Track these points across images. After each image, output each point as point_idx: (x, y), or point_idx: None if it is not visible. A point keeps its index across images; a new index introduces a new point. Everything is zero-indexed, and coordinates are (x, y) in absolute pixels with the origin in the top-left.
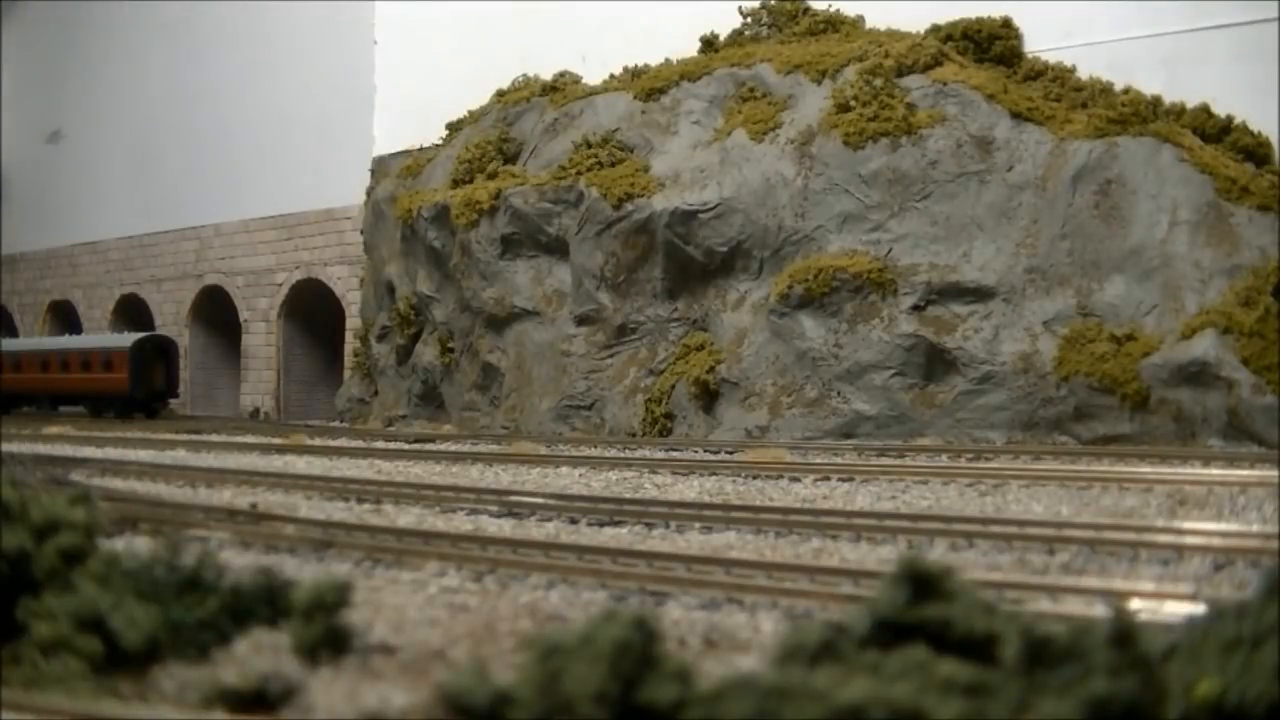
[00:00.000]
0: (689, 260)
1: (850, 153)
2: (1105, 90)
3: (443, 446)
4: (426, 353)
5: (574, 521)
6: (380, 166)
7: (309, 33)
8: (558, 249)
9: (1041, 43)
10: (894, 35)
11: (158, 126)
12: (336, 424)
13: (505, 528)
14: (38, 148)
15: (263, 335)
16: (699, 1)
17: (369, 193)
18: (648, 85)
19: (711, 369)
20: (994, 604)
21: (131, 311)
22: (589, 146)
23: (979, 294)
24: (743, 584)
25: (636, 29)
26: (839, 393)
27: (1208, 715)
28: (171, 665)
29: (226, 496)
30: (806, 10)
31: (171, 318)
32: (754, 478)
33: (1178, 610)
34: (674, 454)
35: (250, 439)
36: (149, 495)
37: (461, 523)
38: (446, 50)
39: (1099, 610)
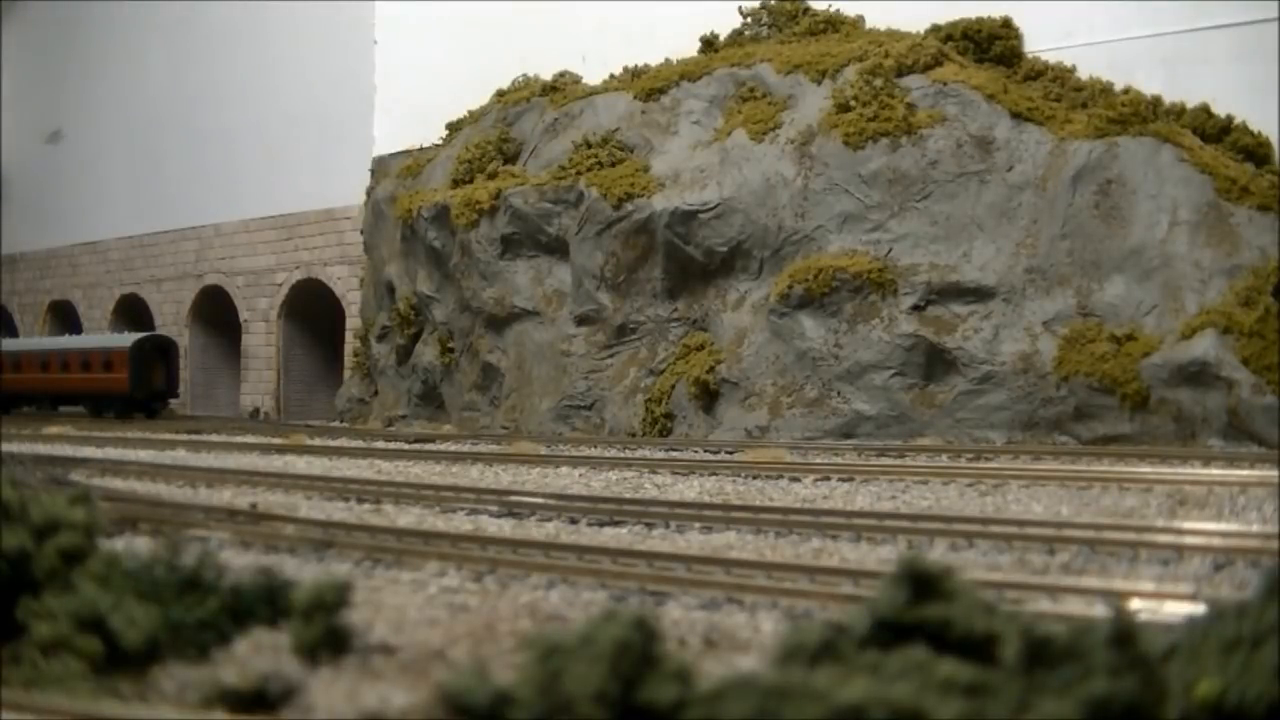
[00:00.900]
0: (689, 260)
1: (850, 153)
2: (1105, 90)
3: (443, 446)
4: (426, 353)
5: (574, 521)
6: (380, 166)
7: (309, 33)
8: (558, 249)
9: (1041, 43)
10: (894, 35)
11: (158, 126)
12: (336, 424)
13: (505, 528)
14: (38, 148)
15: (263, 335)
16: (699, 1)
17: (369, 193)
18: (648, 85)
19: (711, 369)
20: (994, 604)
21: (131, 311)
22: (589, 146)
23: (979, 294)
24: (743, 584)
25: (636, 29)
26: (839, 393)
27: (1208, 715)
28: (171, 665)
29: (226, 496)
30: (806, 10)
31: (171, 318)
32: (754, 478)
33: (1178, 610)
34: (674, 454)
35: (250, 439)
36: (149, 495)
37: (461, 523)
38: (446, 50)
39: (1099, 610)
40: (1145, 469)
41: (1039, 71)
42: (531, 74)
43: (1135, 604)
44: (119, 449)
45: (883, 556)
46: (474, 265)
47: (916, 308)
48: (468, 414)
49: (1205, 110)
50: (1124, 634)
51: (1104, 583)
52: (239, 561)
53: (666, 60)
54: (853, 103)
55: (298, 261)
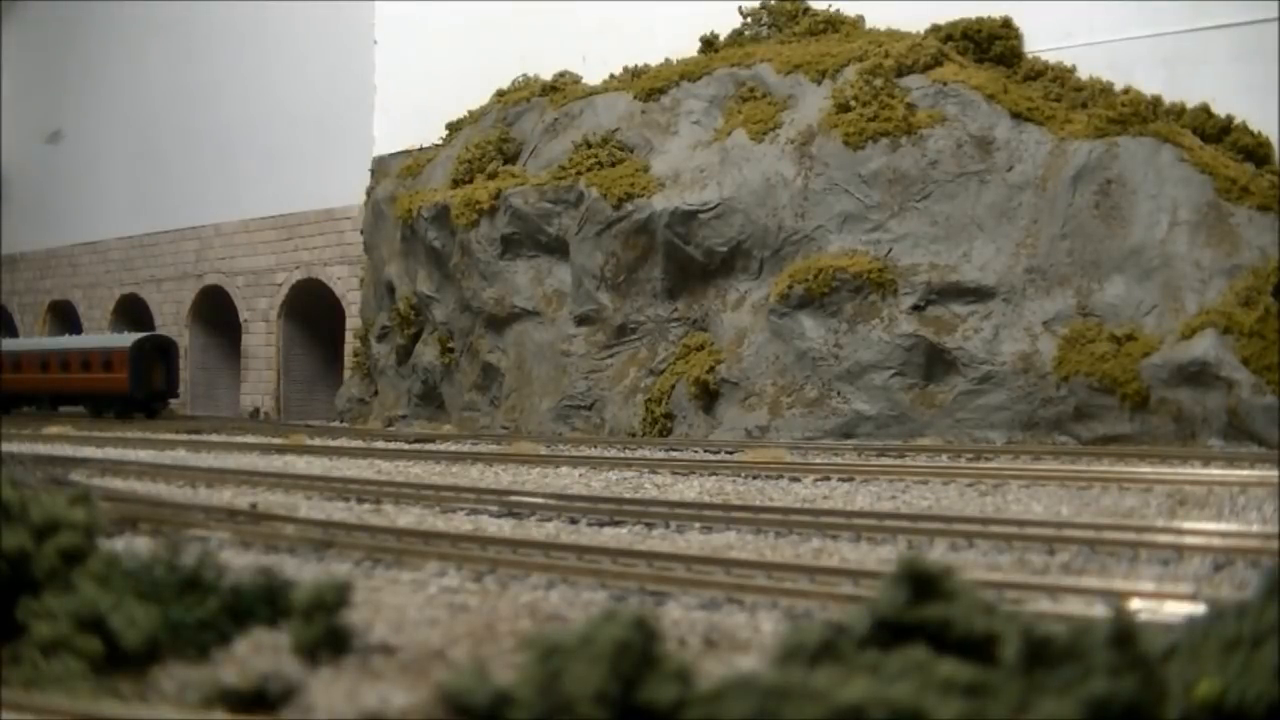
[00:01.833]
0: (689, 260)
1: (850, 153)
2: (1105, 90)
3: (443, 446)
4: (426, 353)
5: (574, 521)
6: (380, 166)
7: (309, 33)
8: (558, 249)
9: (1041, 43)
10: (894, 35)
11: (158, 126)
12: (336, 424)
13: (505, 528)
14: (38, 148)
15: (263, 335)
16: (699, 1)
17: (369, 193)
18: (648, 85)
19: (711, 369)
20: (994, 604)
21: (132, 311)
22: (589, 146)
23: (979, 294)
24: (743, 584)
25: (636, 29)
26: (839, 393)
27: (1208, 715)
28: (171, 665)
29: (226, 496)
30: (806, 10)
31: (171, 318)
32: (754, 478)
33: (1178, 610)
34: (674, 454)
35: (250, 439)
36: (149, 495)
37: (461, 523)
38: (446, 50)
39: (1099, 610)
40: (1145, 469)
41: (1039, 71)
42: (531, 74)
43: (1135, 604)
44: (119, 449)
45: (883, 556)
46: (474, 265)
47: (916, 308)
48: (468, 414)
49: (1205, 110)
50: (1124, 634)
51: (1104, 583)
52: (239, 561)
53: (666, 60)
54: (853, 103)
55: (298, 261)
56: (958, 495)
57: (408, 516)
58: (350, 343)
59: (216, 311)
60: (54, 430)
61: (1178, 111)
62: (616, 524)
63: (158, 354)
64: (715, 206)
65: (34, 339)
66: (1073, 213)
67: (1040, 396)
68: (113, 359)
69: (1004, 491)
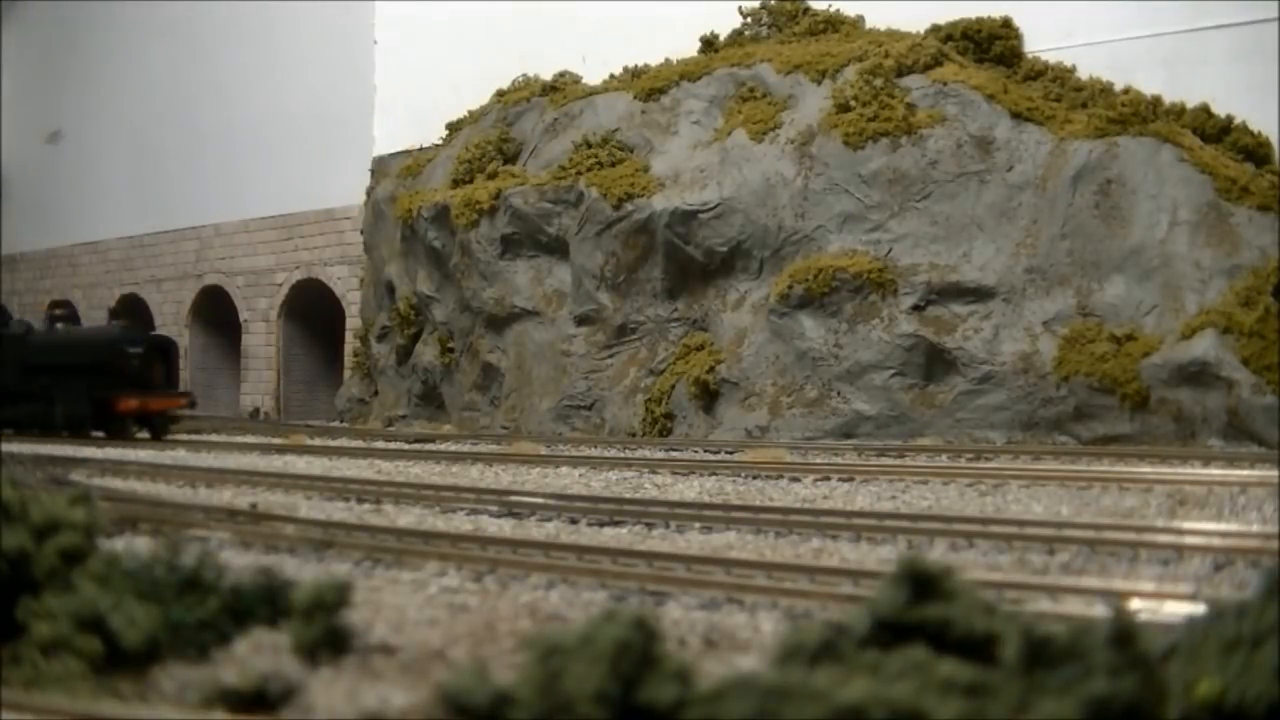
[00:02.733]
0: (689, 260)
1: (850, 153)
2: (1105, 90)
3: (443, 446)
4: (426, 353)
5: (574, 521)
6: (380, 166)
7: (309, 33)
8: (558, 249)
9: (1041, 43)
10: (894, 35)
11: (158, 126)
12: (336, 424)
13: (505, 528)
14: (38, 148)
15: (263, 335)
16: (699, 1)
17: (369, 193)
18: (648, 85)
19: (711, 369)
20: (994, 604)
21: (132, 312)
22: (589, 146)
23: (979, 294)
24: (743, 584)
25: (636, 29)
26: (839, 393)
27: (1208, 715)
28: (171, 665)
29: (226, 496)
30: (806, 10)
31: (171, 318)
32: (754, 478)
33: (1178, 610)
34: (674, 454)
35: (250, 439)
36: (149, 495)
37: (461, 523)
38: (446, 50)
39: (1099, 610)
40: (1145, 469)
41: (1039, 71)
42: (531, 74)
43: (1135, 604)
44: (119, 449)
45: (883, 556)
46: (474, 265)
47: (916, 308)
48: (468, 414)
49: (1205, 110)
50: (1124, 634)
51: (1104, 583)
52: (239, 561)
53: (666, 60)
54: (853, 103)
55: (298, 261)
56: (958, 495)
57: (408, 516)
58: (350, 343)
59: (216, 311)
60: None
61: (1178, 111)
62: (616, 524)
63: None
64: (715, 206)
65: None
66: (1073, 213)
67: (1040, 396)
68: None
69: (1004, 491)
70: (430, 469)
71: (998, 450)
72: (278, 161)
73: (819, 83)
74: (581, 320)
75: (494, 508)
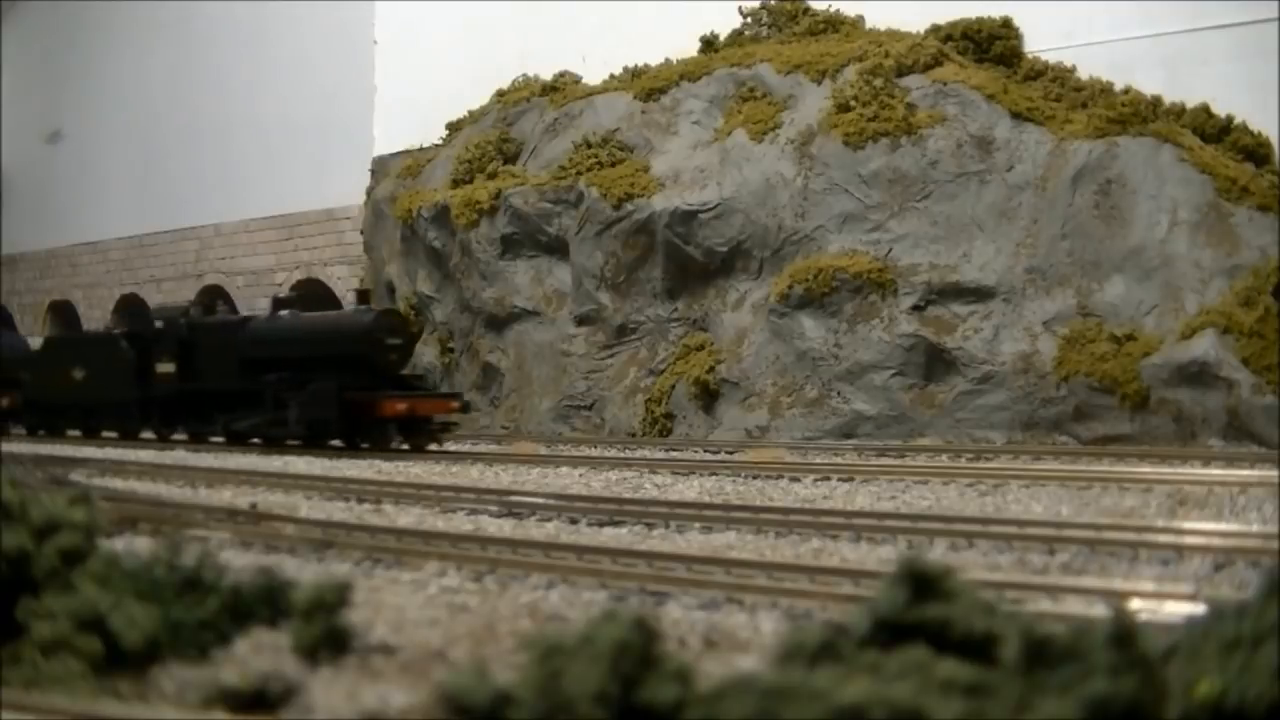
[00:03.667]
0: (689, 260)
1: (850, 153)
2: (1105, 90)
3: (443, 446)
4: (426, 353)
5: (574, 521)
6: (380, 166)
7: (309, 33)
8: (558, 249)
9: (1041, 43)
10: (894, 35)
11: (158, 126)
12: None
13: (505, 528)
14: (38, 148)
15: None
16: (699, 1)
17: (369, 193)
18: (648, 85)
19: (711, 369)
20: (994, 604)
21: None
22: (589, 146)
23: (979, 294)
24: (743, 584)
25: (636, 29)
26: (839, 393)
27: (1208, 715)
28: (171, 665)
29: (226, 496)
30: (806, 10)
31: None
32: (754, 478)
33: (1178, 610)
34: (674, 454)
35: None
36: (149, 495)
37: (461, 523)
38: (446, 50)
39: (1099, 610)
40: (1145, 469)
41: (1039, 71)
42: (531, 74)
43: (1135, 604)
44: (119, 449)
45: (883, 556)
46: (474, 265)
47: (916, 308)
48: (468, 414)
49: (1205, 110)
50: (1124, 634)
51: (1104, 583)
52: (239, 561)
53: (666, 60)
54: (853, 103)
55: (298, 261)
56: (958, 495)
57: (408, 516)
58: None
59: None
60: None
61: (1178, 111)
62: (616, 524)
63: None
64: (715, 206)
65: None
66: (1073, 213)
67: (1040, 396)
68: None
69: (1004, 491)
70: (430, 469)
71: (998, 450)
72: (278, 161)
73: (819, 83)
74: (581, 320)
75: (494, 508)
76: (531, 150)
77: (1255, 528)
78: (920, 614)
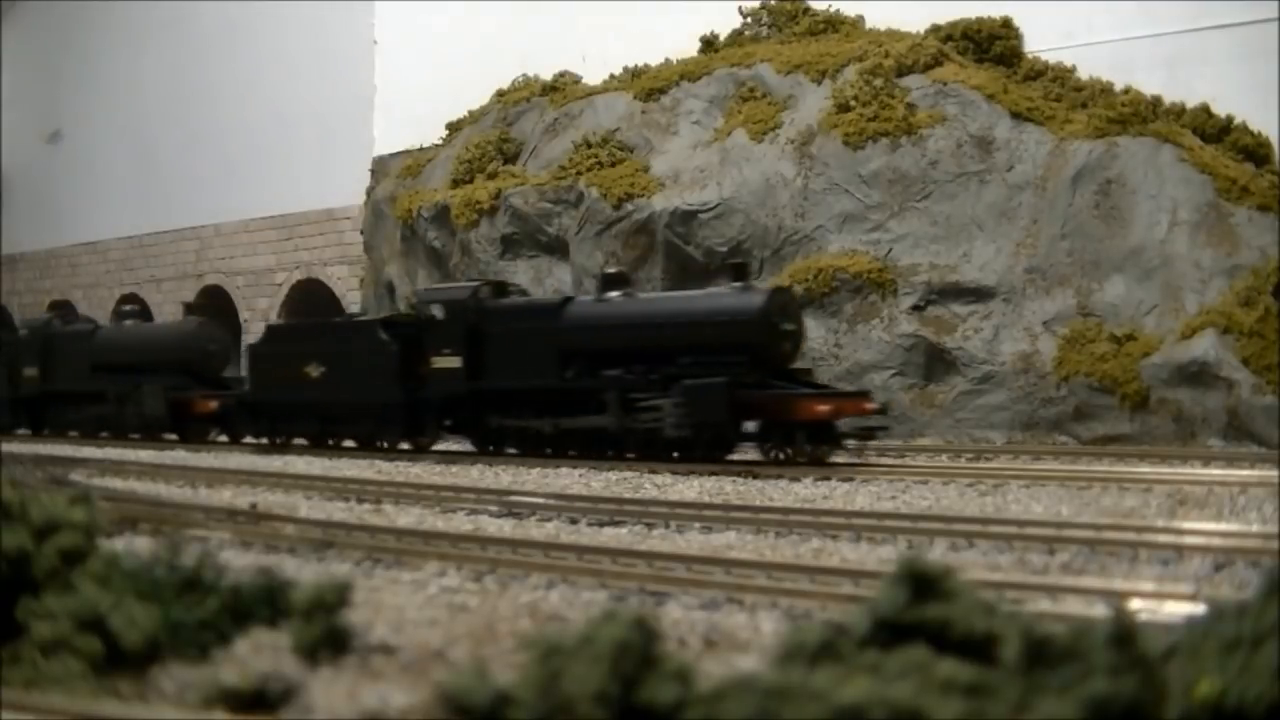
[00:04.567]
0: (689, 260)
1: (850, 153)
2: (1105, 90)
3: (443, 446)
4: None
5: (574, 521)
6: (380, 166)
7: (309, 33)
8: (558, 249)
9: (1041, 43)
10: (894, 35)
11: (158, 126)
12: None
13: (505, 528)
14: (38, 148)
15: None
16: (699, 1)
17: (369, 193)
18: (648, 85)
19: None
20: (994, 604)
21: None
22: (589, 146)
23: (979, 294)
24: (743, 584)
25: (636, 29)
26: None
27: (1208, 715)
28: (171, 665)
29: (226, 496)
30: (806, 10)
31: (172, 318)
32: (754, 478)
33: (1178, 610)
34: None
35: (250, 439)
36: (149, 495)
37: (461, 523)
38: (446, 50)
39: (1099, 610)
40: (1145, 469)
41: (1039, 71)
42: (531, 74)
43: (1135, 604)
44: (119, 449)
45: (883, 556)
46: (474, 265)
47: (916, 308)
48: None
49: (1205, 110)
50: (1124, 634)
51: (1104, 583)
52: (239, 561)
53: (666, 60)
54: (853, 103)
55: (298, 261)
56: (958, 495)
57: (408, 516)
58: None
59: (217, 312)
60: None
61: (1178, 111)
62: (616, 524)
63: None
64: (715, 206)
65: None
66: (1073, 213)
67: (1040, 396)
68: None
69: (1004, 491)
70: (430, 469)
71: (998, 450)
72: (278, 161)
73: (819, 83)
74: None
75: (494, 508)
76: (531, 150)
77: (1255, 528)
78: (920, 614)
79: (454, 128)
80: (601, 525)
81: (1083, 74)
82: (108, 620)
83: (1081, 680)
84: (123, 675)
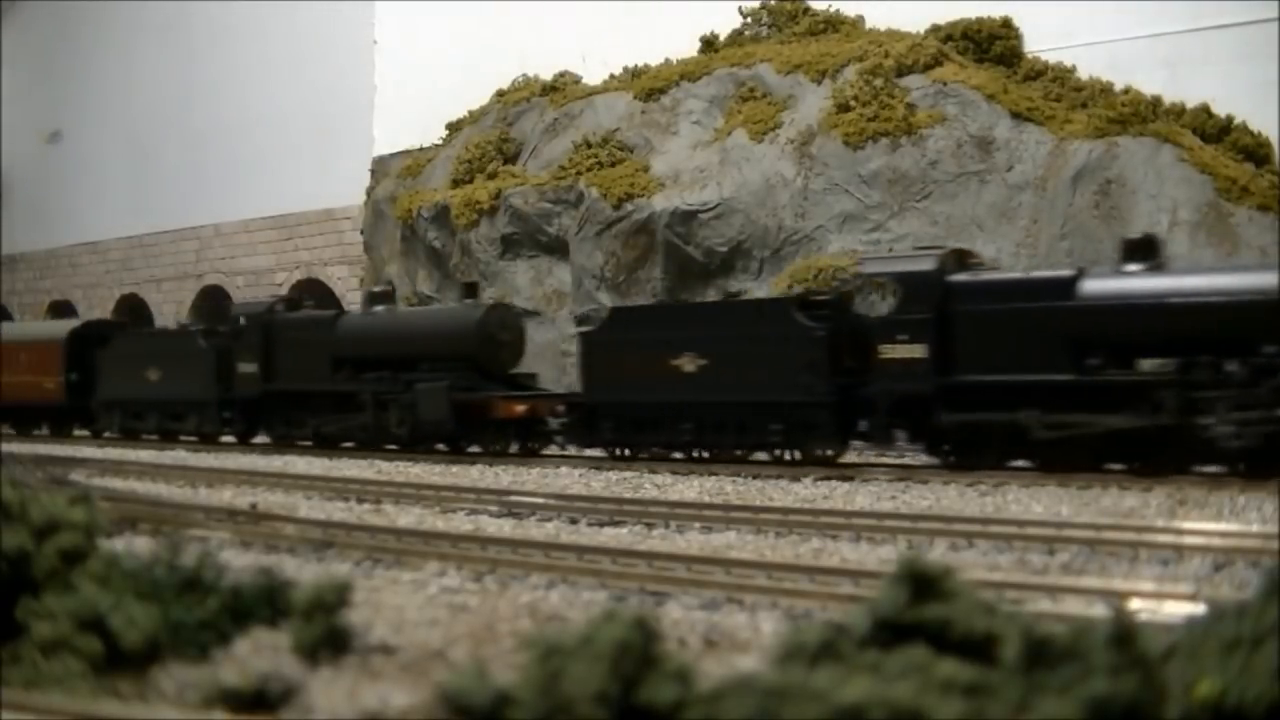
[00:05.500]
0: (689, 260)
1: (850, 153)
2: (1105, 90)
3: (443, 446)
4: None
5: (574, 521)
6: (380, 166)
7: (309, 33)
8: (558, 249)
9: (1041, 43)
10: (894, 35)
11: (158, 126)
12: None
13: (505, 528)
14: (38, 148)
15: None
16: (699, 1)
17: (369, 193)
18: (648, 85)
19: None
20: (994, 604)
21: (131, 312)
22: (589, 146)
23: None
24: (743, 584)
25: (636, 29)
26: None
27: (1208, 715)
28: (171, 665)
29: (226, 496)
30: (806, 10)
31: (171, 318)
32: (754, 478)
33: (1178, 610)
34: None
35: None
36: (149, 495)
37: (461, 523)
38: (446, 50)
39: (1099, 610)
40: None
41: (1039, 71)
42: (531, 74)
43: (1135, 604)
44: (119, 449)
45: (883, 556)
46: (474, 265)
47: None
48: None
49: (1205, 110)
50: (1124, 634)
51: (1104, 583)
52: (239, 561)
53: (666, 60)
54: (853, 103)
55: (298, 261)
56: (958, 495)
57: (408, 516)
58: None
59: (216, 312)
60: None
61: (1178, 111)
62: (616, 524)
63: None
64: (715, 206)
65: None
66: (1073, 213)
67: None
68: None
69: (1004, 491)
70: (430, 469)
71: None
72: (278, 161)
73: (819, 83)
74: (582, 320)
75: (494, 508)
76: (531, 150)
77: (1255, 528)
78: (920, 614)
79: (454, 128)
80: (601, 525)
81: (1083, 74)
82: (108, 620)
83: (1081, 680)
84: (123, 675)
